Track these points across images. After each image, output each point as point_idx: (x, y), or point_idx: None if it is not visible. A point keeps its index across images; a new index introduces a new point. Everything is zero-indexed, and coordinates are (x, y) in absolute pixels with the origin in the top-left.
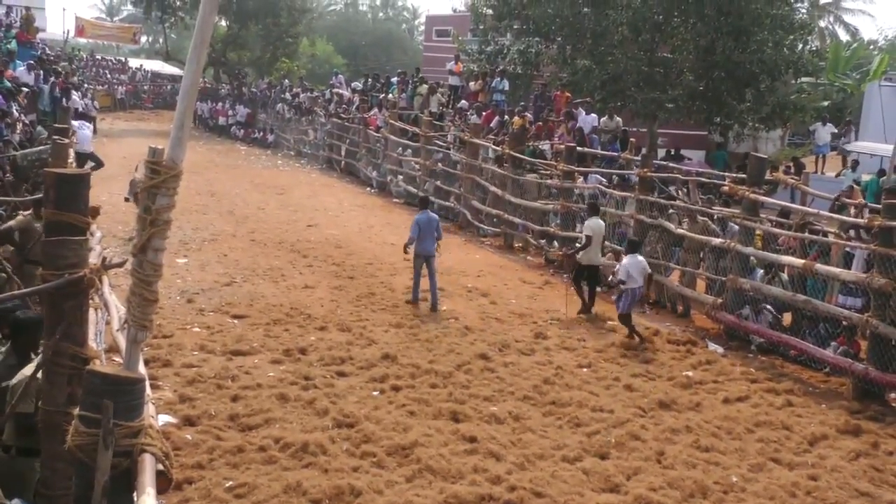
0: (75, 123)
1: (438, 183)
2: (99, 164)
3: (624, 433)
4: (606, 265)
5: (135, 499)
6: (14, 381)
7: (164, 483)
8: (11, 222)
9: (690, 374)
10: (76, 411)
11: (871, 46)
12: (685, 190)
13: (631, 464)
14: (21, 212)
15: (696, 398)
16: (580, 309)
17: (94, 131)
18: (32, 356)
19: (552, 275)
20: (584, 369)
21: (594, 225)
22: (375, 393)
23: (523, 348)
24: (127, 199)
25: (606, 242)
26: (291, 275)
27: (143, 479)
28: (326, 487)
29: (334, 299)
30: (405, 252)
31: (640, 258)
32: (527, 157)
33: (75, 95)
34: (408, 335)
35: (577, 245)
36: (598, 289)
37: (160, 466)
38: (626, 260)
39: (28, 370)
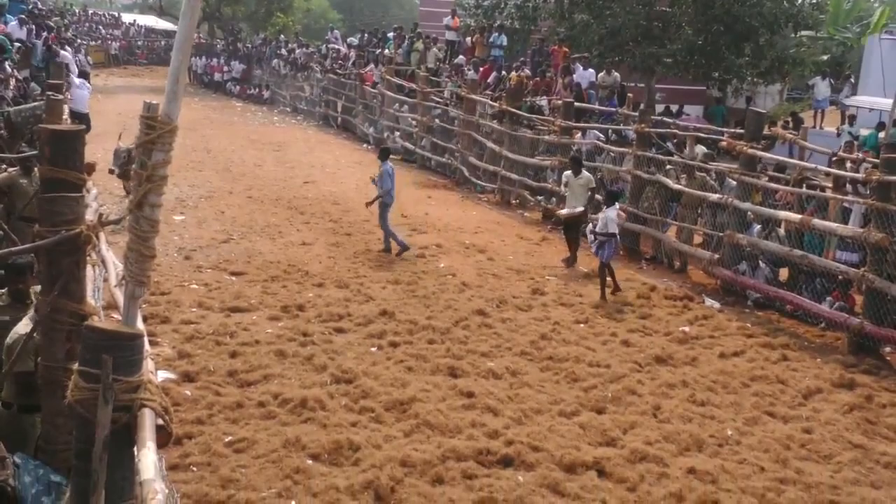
0: (76, 81)
1: (435, 139)
2: (87, 128)
3: (620, 388)
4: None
5: (135, 453)
6: (9, 339)
7: (164, 438)
8: None
9: (687, 329)
10: (75, 367)
11: None
12: (674, 143)
13: (627, 418)
14: (7, 168)
15: (692, 353)
16: (571, 260)
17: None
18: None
19: (549, 231)
20: (581, 325)
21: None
22: (373, 349)
23: (521, 304)
24: (112, 171)
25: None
26: (289, 232)
27: (143, 433)
28: (325, 442)
29: (332, 256)
30: (367, 206)
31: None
32: (524, 113)
33: (67, 51)
34: (405, 291)
35: (584, 202)
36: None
37: (160, 421)
38: (610, 212)
39: (21, 328)
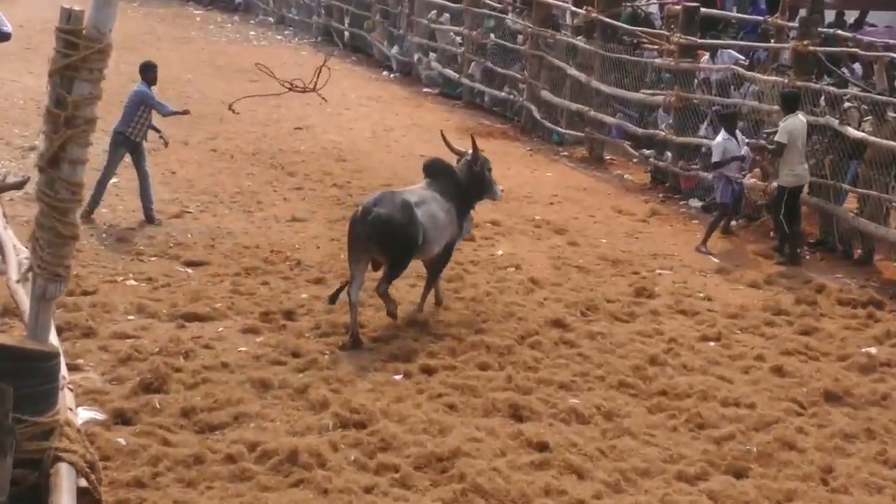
0: None
1: (490, 64)
2: None
3: (771, 439)
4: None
5: None
6: None
7: None
8: None
9: (873, 350)
10: None
11: None
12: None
13: (782, 485)
14: None
15: (881, 387)
16: (781, 250)
17: None
18: None
19: (663, 201)
20: (711, 343)
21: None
22: (397, 377)
23: (618, 311)
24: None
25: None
26: (271, 202)
27: (58, 499)
28: None
29: (335, 238)
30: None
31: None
32: (624, 25)
33: None
34: (445, 291)
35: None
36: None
37: (83, 482)
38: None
39: None
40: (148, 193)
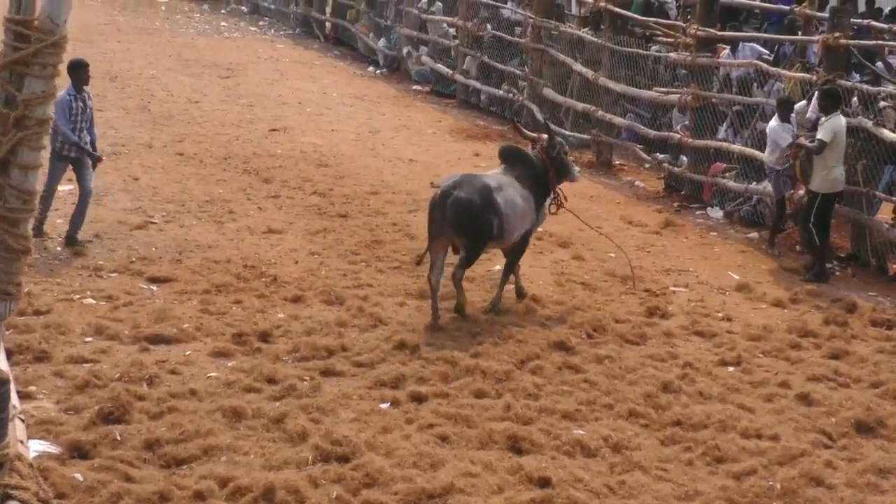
0: None
1: (487, 59)
2: None
3: (796, 474)
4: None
5: None
6: None
7: None
8: None
9: None
10: None
11: None
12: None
13: None
14: None
15: None
16: (811, 266)
17: None
18: None
19: (678, 210)
20: (731, 368)
21: (836, 126)
22: (384, 405)
23: (628, 333)
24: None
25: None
26: (245, 211)
27: None
28: None
29: (316, 252)
30: None
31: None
32: (636, 16)
33: None
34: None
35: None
36: None
37: None
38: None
39: None
40: (80, 213)
